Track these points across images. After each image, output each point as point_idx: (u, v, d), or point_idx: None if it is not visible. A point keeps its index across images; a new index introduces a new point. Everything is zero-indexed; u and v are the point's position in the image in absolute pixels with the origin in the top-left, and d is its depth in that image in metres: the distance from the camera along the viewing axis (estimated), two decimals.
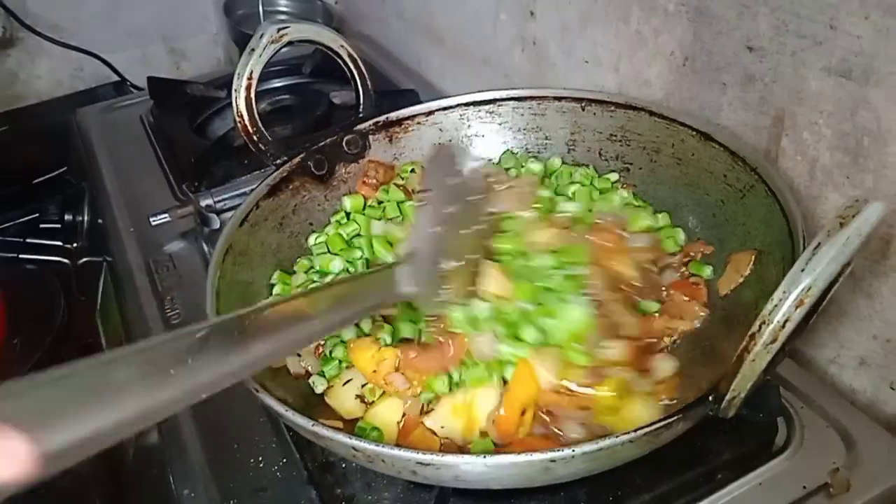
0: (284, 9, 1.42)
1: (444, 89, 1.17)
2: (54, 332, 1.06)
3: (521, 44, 0.95)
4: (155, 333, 0.73)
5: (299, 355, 0.59)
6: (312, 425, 0.45)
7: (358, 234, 0.68)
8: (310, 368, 0.59)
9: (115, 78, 1.56)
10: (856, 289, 0.61)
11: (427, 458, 0.42)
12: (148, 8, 1.62)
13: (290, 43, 0.69)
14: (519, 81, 0.98)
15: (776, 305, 0.39)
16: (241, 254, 0.62)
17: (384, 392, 0.55)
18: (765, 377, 0.44)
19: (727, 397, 0.42)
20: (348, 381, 0.56)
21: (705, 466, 0.54)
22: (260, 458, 0.58)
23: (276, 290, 0.64)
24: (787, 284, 0.39)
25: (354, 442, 0.43)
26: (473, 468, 0.42)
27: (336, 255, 0.66)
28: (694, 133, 0.64)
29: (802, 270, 0.38)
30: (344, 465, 0.56)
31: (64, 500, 0.88)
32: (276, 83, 1.15)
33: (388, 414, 0.53)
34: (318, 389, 0.57)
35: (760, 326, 0.40)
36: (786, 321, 0.39)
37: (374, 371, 0.54)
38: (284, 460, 0.58)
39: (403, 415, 0.53)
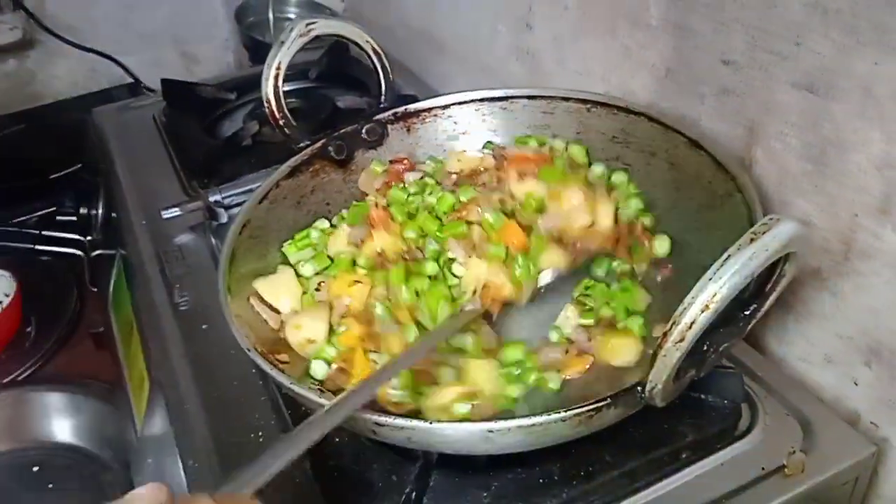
0: (293, 16, 1.47)
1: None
2: (66, 321, 1.11)
3: (517, 54, 1.00)
4: (164, 320, 0.78)
5: None
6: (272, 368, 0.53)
7: None
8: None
9: (129, 79, 1.61)
10: (822, 288, 0.65)
11: (383, 419, 0.48)
12: (161, 13, 1.68)
13: (317, 37, 0.74)
14: None
15: (684, 308, 0.43)
16: (259, 228, 0.68)
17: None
18: (698, 374, 0.49)
19: (647, 388, 0.47)
20: None
21: (672, 447, 0.58)
22: (260, 434, 0.63)
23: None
24: (695, 290, 0.43)
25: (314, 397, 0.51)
26: (421, 432, 0.48)
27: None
28: (685, 140, 0.67)
29: (710, 279, 0.43)
30: (337, 440, 0.60)
31: (71, 470, 0.93)
32: (284, 87, 1.18)
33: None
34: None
35: (671, 326, 0.44)
36: (692, 323, 0.43)
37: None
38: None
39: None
